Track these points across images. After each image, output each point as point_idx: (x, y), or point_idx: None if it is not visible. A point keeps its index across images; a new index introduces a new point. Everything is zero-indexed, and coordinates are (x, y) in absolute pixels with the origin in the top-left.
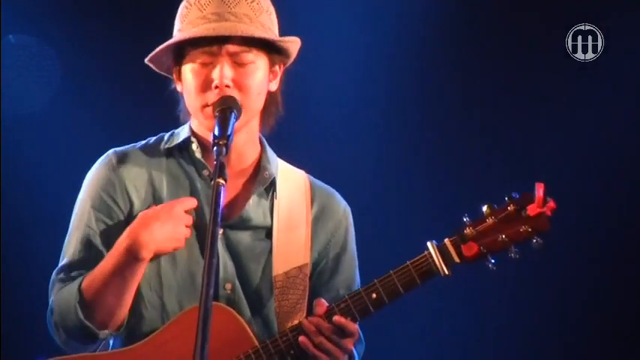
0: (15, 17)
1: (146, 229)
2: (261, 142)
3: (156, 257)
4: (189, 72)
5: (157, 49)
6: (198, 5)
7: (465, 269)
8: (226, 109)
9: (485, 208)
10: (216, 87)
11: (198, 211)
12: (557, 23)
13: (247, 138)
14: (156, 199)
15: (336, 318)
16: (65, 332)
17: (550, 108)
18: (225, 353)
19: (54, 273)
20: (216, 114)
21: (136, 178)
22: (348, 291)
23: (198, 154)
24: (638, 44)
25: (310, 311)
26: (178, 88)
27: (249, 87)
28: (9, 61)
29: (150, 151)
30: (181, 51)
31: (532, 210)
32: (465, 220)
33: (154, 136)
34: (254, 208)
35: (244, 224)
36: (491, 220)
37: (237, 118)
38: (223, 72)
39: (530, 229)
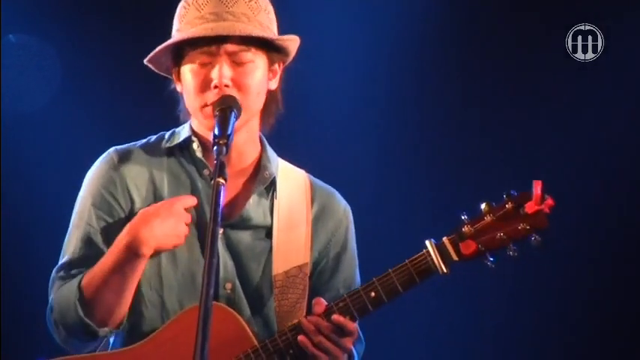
0: (15, 17)
1: (146, 226)
2: (261, 142)
3: (156, 255)
4: (188, 72)
5: (156, 49)
6: (196, 5)
7: (463, 267)
8: (226, 109)
9: (483, 206)
10: (216, 87)
11: (198, 211)
12: (557, 23)
13: (247, 137)
14: (157, 198)
15: (335, 317)
16: (65, 330)
17: (550, 108)
18: (224, 353)
19: (54, 271)
20: (216, 113)
21: (137, 176)
22: (348, 290)
23: (198, 154)
24: (638, 44)
25: (309, 310)
26: (178, 88)
27: (248, 86)
28: (9, 60)
29: (151, 149)
30: (180, 51)
31: (530, 207)
32: (463, 218)
33: (153, 135)
34: (254, 208)
35: (244, 224)
36: (489, 217)
37: (237, 118)
38: (222, 72)
39: (528, 227)
